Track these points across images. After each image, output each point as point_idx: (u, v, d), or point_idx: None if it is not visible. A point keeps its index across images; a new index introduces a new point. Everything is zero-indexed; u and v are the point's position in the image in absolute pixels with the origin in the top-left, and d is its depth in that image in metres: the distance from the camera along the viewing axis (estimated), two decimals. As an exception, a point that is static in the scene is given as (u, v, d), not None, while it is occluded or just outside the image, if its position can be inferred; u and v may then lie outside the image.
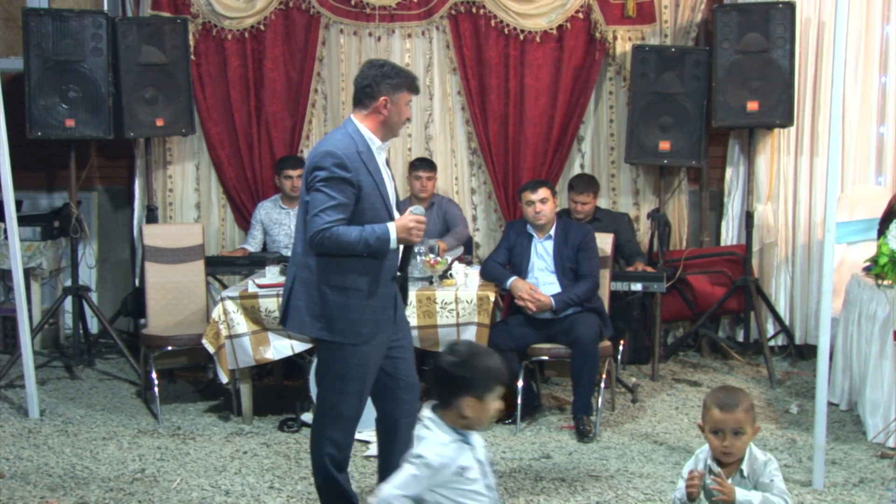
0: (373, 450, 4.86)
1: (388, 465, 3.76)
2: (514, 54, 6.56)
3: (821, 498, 4.22)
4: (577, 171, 6.68)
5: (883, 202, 6.03)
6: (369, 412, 5.20)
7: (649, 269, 6.06)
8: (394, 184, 3.89)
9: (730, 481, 3.06)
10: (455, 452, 2.81)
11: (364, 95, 3.74)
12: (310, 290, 3.69)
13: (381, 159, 3.79)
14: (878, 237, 5.53)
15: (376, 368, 3.79)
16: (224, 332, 5.15)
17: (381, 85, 3.71)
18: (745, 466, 3.11)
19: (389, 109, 3.73)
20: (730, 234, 6.69)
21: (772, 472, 3.08)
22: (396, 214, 3.78)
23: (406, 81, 3.76)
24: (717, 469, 3.10)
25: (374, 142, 3.75)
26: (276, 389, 5.85)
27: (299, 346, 5.23)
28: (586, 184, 6.11)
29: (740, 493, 3.01)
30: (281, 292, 5.09)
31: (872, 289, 5.03)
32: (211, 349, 5.19)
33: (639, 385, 5.94)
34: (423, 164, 6.29)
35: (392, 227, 3.63)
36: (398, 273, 3.82)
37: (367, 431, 5.12)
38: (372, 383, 3.81)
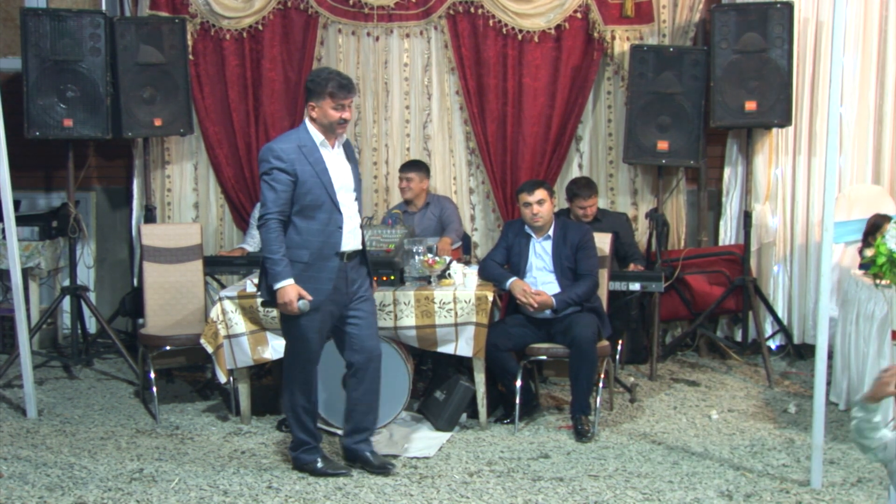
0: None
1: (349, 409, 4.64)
2: (513, 54, 6.56)
3: (819, 497, 4.22)
4: (575, 170, 6.69)
5: (881, 202, 6.04)
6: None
7: (640, 268, 6.07)
8: (354, 172, 4.48)
9: None
10: None
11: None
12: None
13: (329, 152, 4.36)
14: (863, 244, 5.57)
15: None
16: (222, 332, 5.15)
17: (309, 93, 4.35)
18: None
19: (318, 113, 4.33)
20: (728, 233, 6.69)
21: None
22: (339, 199, 4.33)
23: (327, 90, 4.28)
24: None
25: (318, 137, 4.35)
26: (274, 389, 5.83)
27: (297, 346, 5.23)
28: (589, 187, 6.10)
29: None
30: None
31: (870, 288, 5.03)
32: (209, 349, 5.18)
33: (637, 385, 5.94)
34: (405, 166, 6.26)
35: (287, 285, 4.21)
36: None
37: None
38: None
